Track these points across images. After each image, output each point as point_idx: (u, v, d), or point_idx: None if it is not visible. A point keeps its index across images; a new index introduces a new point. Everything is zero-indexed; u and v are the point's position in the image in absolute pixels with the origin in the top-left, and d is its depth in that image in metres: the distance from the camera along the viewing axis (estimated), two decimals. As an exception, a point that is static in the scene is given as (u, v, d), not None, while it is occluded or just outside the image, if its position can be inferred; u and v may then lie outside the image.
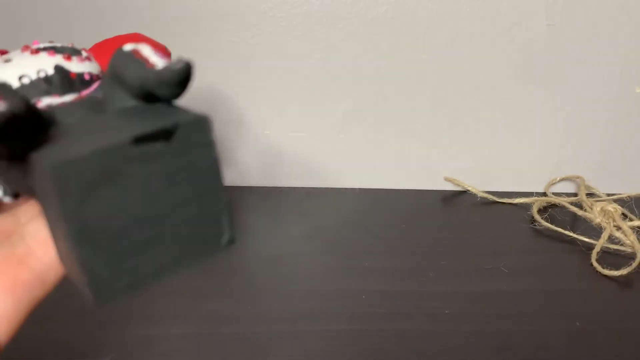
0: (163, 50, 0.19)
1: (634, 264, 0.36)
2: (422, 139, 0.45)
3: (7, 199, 0.15)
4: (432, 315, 0.32)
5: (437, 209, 0.45)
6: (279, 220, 0.43)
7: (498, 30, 0.41)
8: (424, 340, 0.30)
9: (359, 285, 0.35)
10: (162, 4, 0.40)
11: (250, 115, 0.44)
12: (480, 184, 0.46)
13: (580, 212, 0.42)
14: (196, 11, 0.40)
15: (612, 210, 0.40)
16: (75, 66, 0.16)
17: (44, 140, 0.12)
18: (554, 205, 0.44)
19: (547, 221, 0.41)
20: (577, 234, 0.40)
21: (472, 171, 0.46)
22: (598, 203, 0.41)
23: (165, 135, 0.12)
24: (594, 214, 0.40)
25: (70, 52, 0.16)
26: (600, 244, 0.38)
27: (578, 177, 0.46)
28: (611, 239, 0.39)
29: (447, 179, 0.46)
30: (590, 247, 0.38)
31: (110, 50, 0.18)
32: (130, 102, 0.14)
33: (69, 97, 0.15)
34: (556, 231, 0.40)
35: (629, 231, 0.38)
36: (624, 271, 0.36)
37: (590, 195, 0.45)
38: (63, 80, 0.16)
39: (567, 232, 0.40)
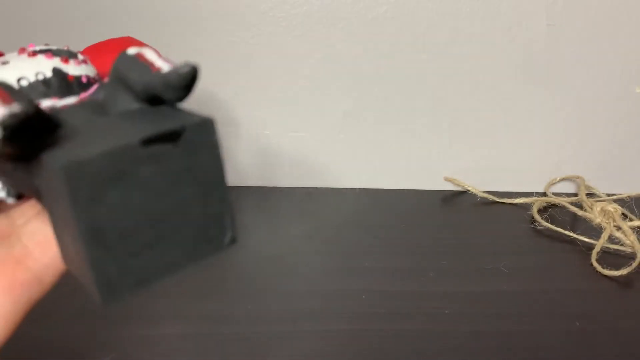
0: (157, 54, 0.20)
1: (634, 264, 0.36)
2: (422, 139, 0.45)
3: (10, 200, 0.15)
4: (432, 316, 0.32)
5: (437, 209, 0.45)
6: (279, 220, 0.43)
7: (498, 30, 0.41)
8: (424, 340, 0.30)
9: (359, 285, 0.35)
10: (162, 4, 0.40)
11: (250, 115, 0.44)
12: (480, 184, 0.46)
13: (580, 212, 0.42)
14: (196, 11, 0.40)
15: (612, 210, 0.40)
16: (72, 69, 0.16)
17: (52, 142, 0.12)
18: (554, 205, 0.44)
19: (547, 221, 0.41)
20: (577, 234, 0.40)
21: (472, 171, 0.46)
22: (598, 203, 0.41)
23: (172, 137, 0.13)
24: (594, 214, 0.40)
25: (68, 55, 0.17)
26: (600, 244, 0.38)
27: (578, 177, 0.46)
28: (611, 239, 0.39)
29: (447, 179, 0.46)
30: (590, 247, 0.38)
31: (102, 53, 0.19)
32: (134, 105, 0.15)
33: (70, 100, 0.15)
34: (556, 231, 0.40)
35: (629, 231, 0.38)
36: (624, 271, 0.36)
37: (590, 195, 0.45)
38: (61, 83, 0.16)
39: (567, 232, 0.40)
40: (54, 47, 0.17)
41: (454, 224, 0.42)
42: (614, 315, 0.33)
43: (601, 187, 0.46)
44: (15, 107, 0.11)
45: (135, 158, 0.12)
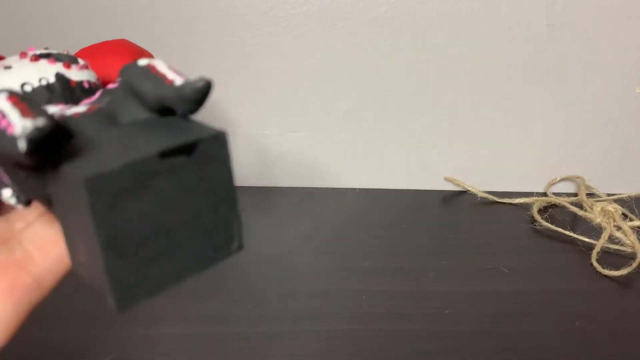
0: (149, 56, 0.20)
1: (634, 264, 0.36)
2: (422, 139, 0.45)
3: (20, 206, 0.15)
4: (432, 316, 0.32)
5: (437, 209, 0.45)
6: (279, 220, 0.43)
7: (498, 30, 0.41)
8: (424, 341, 0.30)
9: (359, 285, 0.35)
10: (162, 4, 0.40)
11: (250, 115, 0.44)
12: (480, 184, 0.46)
13: (580, 212, 0.42)
14: (196, 11, 0.40)
15: (612, 210, 0.40)
16: (75, 74, 0.17)
17: (67, 152, 0.13)
18: (554, 205, 0.44)
19: (547, 221, 0.41)
20: (577, 234, 0.40)
21: (472, 171, 0.46)
22: (598, 203, 0.41)
23: (188, 149, 0.13)
24: (594, 214, 0.40)
25: (69, 60, 0.17)
26: (600, 244, 0.38)
27: (578, 177, 0.46)
28: (611, 239, 0.39)
29: (447, 179, 0.46)
30: (591, 247, 0.38)
31: (98, 57, 0.19)
32: (143, 115, 0.15)
33: (80, 108, 0.15)
34: (556, 231, 0.40)
35: (629, 231, 0.38)
36: (624, 271, 0.36)
37: (590, 195, 0.45)
38: (64, 88, 0.16)
39: (567, 232, 0.40)
40: (54, 52, 0.17)
41: (454, 224, 0.42)
42: (614, 315, 0.33)
43: (601, 187, 0.46)
44: (40, 122, 0.11)
45: (153, 170, 0.13)
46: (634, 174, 0.46)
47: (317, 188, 0.47)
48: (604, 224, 0.40)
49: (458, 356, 0.29)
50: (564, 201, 0.43)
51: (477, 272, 0.36)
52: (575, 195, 0.45)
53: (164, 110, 0.15)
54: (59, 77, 0.16)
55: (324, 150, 0.45)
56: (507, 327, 0.31)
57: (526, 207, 0.44)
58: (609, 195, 0.45)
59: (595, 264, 0.37)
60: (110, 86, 0.16)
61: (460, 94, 0.43)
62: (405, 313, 0.32)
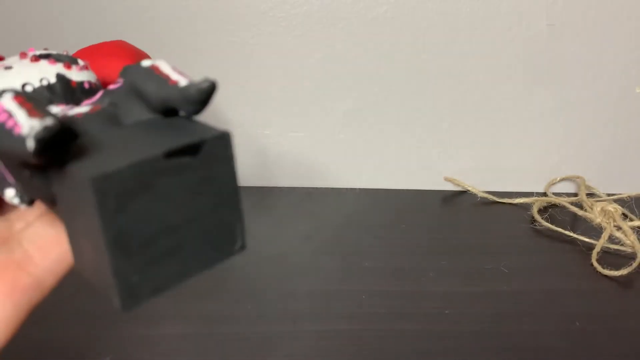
0: (145, 57, 0.20)
1: (634, 264, 0.36)
2: (422, 139, 0.45)
3: (23, 206, 0.15)
4: (432, 316, 0.32)
5: (437, 209, 0.45)
6: (279, 220, 0.43)
7: (498, 30, 0.41)
8: (424, 341, 0.30)
9: (359, 285, 0.35)
10: (162, 4, 0.40)
11: (250, 115, 0.44)
12: (480, 184, 0.46)
13: (580, 212, 0.42)
14: (196, 11, 0.40)
15: (612, 210, 0.40)
16: (75, 75, 0.17)
17: (73, 152, 0.13)
18: (554, 205, 0.44)
19: (547, 221, 0.41)
20: (578, 234, 0.40)
21: (472, 171, 0.46)
22: (598, 203, 0.41)
23: (193, 149, 0.13)
24: (594, 214, 0.40)
25: (70, 61, 0.17)
26: (600, 244, 0.38)
27: (578, 177, 0.46)
28: (611, 239, 0.39)
29: (447, 179, 0.46)
30: (591, 247, 0.38)
31: (97, 57, 0.19)
32: (147, 115, 0.15)
33: (83, 109, 0.15)
34: (556, 231, 0.40)
35: (629, 231, 0.38)
36: (624, 271, 0.36)
37: (590, 195, 0.45)
38: (65, 89, 0.16)
39: (567, 232, 0.40)
40: (54, 52, 0.17)
41: (454, 224, 0.42)
42: (614, 315, 0.33)
43: (601, 187, 0.46)
44: (48, 122, 0.11)
45: (158, 170, 0.13)
46: (634, 174, 0.46)
47: (317, 188, 0.47)
48: (604, 224, 0.40)
49: (458, 356, 0.29)
50: (564, 201, 0.43)
51: (477, 272, 0.36)
52: (576, 195, 0.45)
53: (168, 111, 0.15)
54: (60, 77, 0.16)
55: (324, 150, 0.45)
56: (507, 327, 0.31)
57: (526, 207, 0.44)
58: (609, 195, 0.45)
59: (596, 264, 0.37)
60: (112, 87, 0.16)
61: (460, 94, 0.43)
62: (405, 313, 0.32)
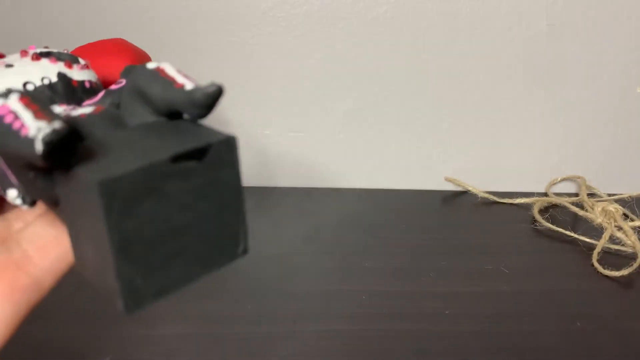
0: (146, 58, 0.20)
1: (635, 265, 0.36)
2: (422, 139, 0.45)
3: (25, 207, 0.15)
4: (433, 316, 0.32)
5: (438, 209, 0.45)
6: (279, 220, 0.43)
7: (498, 30, 0.41)
8: (424, 341, 0.30)
9: (359, 285, 0.35)
10: (162, 4, 0.40)
11: (250, 115, 0.44)
12: (480, 184, 0.46)
13: (581, 213, 0.42)
14: (196, 11, 0.40)
15: (613, 210, 0.40)
16: (76, 74, 0.17)
17: (80, 154, 0.13)
18: (554, 206, 0.44)
19: (548, 221, 0.41)
20: (578, 234, 0.40)
21: (472, 171, 0.46)
22: (599, 203, 0.41)
23: (199, 153, 0.13)
24: (595, 214, 0.40)
25: (71, 60, 0.17)
26: (601, 244, 0.38)
27: (579, 177, 0.46)
28: (612, 239, 0.38)
29: (447, 179, 0.46)
30: (591, 248, 0.38)
31: (96, 56, 0.19)
32: (150, 118, 0.15)
33: (86, 109, 0.15)
34: (557, 231, 0.40)
35: (630, 231, 0.38)
36: (625, 271, 0.35)
37: (591, 195, 0.45)
38: (66, 88, 0.16)
39: (568, 233, 0.40)
40: (55, 51, 0.17)
41: (455, 224, 0.42)
42: (614, 315, 0.32)
43: (602, 187, 0.46)
44: (57, 124, 0.11)
45: (164, 174, 0.13)
46: (635, 174, 0.46)
47: (317, 188, 0.47)
48: (604, 224, 0.39)
49: (458, 356, 0.29)
50: (564, 201, 0.43)
51: (477, 273, 0.36)
52: (576, 195, 0.45)
53: (172, 114, 0.15)
54: (61, 76, 0.16)
55: (324, 150, 0.45)
56: (508, 327, 0.31)
57: (527, 207, 0.44)
58: (610, 195, 0.45)
59: (596, 264, 0.37)
60: (114, 87, 0.16)
61: (460, 94, 0.43)
62: (406, 313, 0.32)
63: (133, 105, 0.15)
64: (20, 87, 0.15)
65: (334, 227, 0.41)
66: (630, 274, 0.35)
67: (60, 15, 0.40)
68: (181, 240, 0.14)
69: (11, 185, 0.15)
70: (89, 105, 0.16)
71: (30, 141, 0.11)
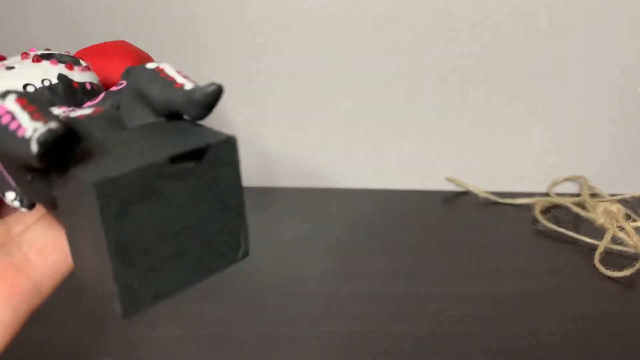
0: (148, 59, 0.20)
1: (637, 265, 0.35)
2: (422, 139, 0.45)
3: (23, 209, 0.15)
4: (434, 317, 0.32)
5: (438, 210, 0.45)
6: (279, 221, 0.42)
7: (498, 30, 0.41)
8: (425, 342, 0.30)
9: (359, 286, 0.35)
10: (162, 4, 0.40)
11: (250, 115, 0.44)
12: (482, 184, 0.45)
13: (583, 213, 0.41)
14: (196, 11, 0.40)
15: (615, 210, 0.39)
16: (77, 76, 0.17)
17: (77, 155, 0.13)
18: (556, 206, 0.44)
19: (549, 222, 0.41)
20: (580, 234, 0.39)
21: (473, 171, 0.46)
22: (601, 203, 0.41)
23: (198, 154, 0.13)
24: (597, 214, 0.40)
25: (72, 62, 0.17)
26: (603, 244, 0.38)
27: (581, 177, 0.46)
28: (614, 240, 0.38)
29: (448, 179, 0.46)
30: (593, 248, 0.38)
31: (98, 58, 0.19)
32: (151, 118, 0.15)
33: (85, 111, 0.15)
34: (559, 232, 0.40)
35: (632, 232, 0.38)
36: (627, 272, 0.35)
37: (593, 195, 0.45)
38: (67, 90, 0.16)
39: (569, 233, 0.40)
40: (56, 53, 0.17)
41: (455, 224, 0.42)
42: (617, 316, 0.32)
43: (604, 188, 0.46)
44: (52, 125, 0.11)
45: (163, 175, 0.13)
46: (637, 174, 0.46)
47: (317, 188, 0.47)
48: (606, 225, 0.39)
49: (460, 357, 0.29)
50: (566, 202, 0.43)
51: (478, 273, 0.36)
52: (578, 195, 0.45)
53: (172, 115, 0.15)
54: (62, 78, 0.16)
55: (324, 150, 0.45)
56: (509, 328, 0.31)
57: (528, 207, 0.44)
58: (612, 195, 0.45)
59: (598, 264, 0.36)
60: (114, 88, 0.16)
61: (461, 93, 0.43)
62: (406, 314, 0.32)
63: (133, 106, 0.15)
64: (20, 89, 0.15)
65: (334, 227, 0.41)
66: (632, 275, 0.35)
67: (60, 16, 0.40)
68: (180, 242, 0.13)
69: (9, 188, 0.15)
70: (89, 106, 0.16)
71: (27, 141, 0.11)
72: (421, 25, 0.41)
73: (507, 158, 0.46)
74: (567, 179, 0.46)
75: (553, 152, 0.46)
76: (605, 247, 0.38)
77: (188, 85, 0.14)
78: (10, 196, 0.15)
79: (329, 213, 0.43)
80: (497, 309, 0.33)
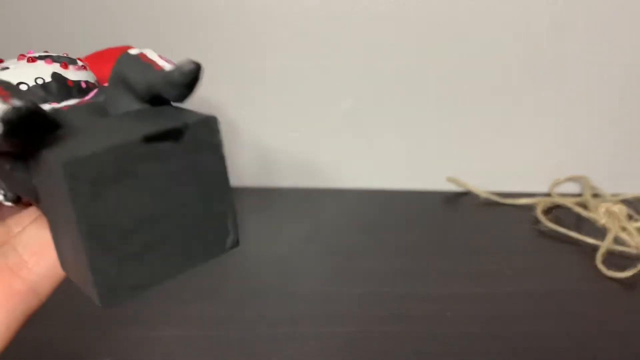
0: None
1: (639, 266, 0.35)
2: (423, 139, 0.45)
3: (7, 204, 0.15)
4: (435, 317, 0.32)
5: (440, 210, 0.44)
6: (279, 221, 0.42)
7: (499, 30, 0.41)
8: (426, 343, 0.30)
9: (359, 286, 0.34)
10: (162, 4, 0.40)
11: (250, 115, 0.44)
12: (483, 185, 0.45)
13: (585, 213, 0.41)
14: (195, 11, 0.40)
15: (617, 211, 0.39)
16: (72, 74, 0.16)
17: (53, 141, 0.12)
18: (558, 206, 0.44)
19: (551, 222, 0.41)
20: (582, 235, 0.39)
21: (474, 171, 0.46)
22: (603, 204, 0.40)
23: (175, 134, 0.13)
24: (599, 214, 0.40)
25: (67, 61, 0.17)
26: (605, 245, 0.37)
27: (583, 177, 0.46)
28: (616, 240, 0.38)
29: (449, 180, 0.46)
30: (595, 249, 0.38)
31: (102, 62, 0.19)
32: (135, 106, 0.15)
33: (70, 102, 0.15)
34: (560, 232, 0.40)
35: (635, 232, 0.38)
36: (629, 273, 0.35)
37: (595, 195, 0.44)
38: (60, 88, 0.16)
39: (571, 233, 0.40)
40: (53, 54, 0.17)
41: (457, 225, 0.42)
42: (619, 317, 0.32)
43: (606, 188, 0.45)
44: (17, 102, 0.11)
45: (137, 155, 0.12)
46: (639, 174, 0.46)
47: (317, 188, 0.46)
48: (609, 225, 0.39)
49: (460, 358, 0.29)
50: (568, 202, 0.43)
51: (479, 274, 0.36)
52: (580, 195, 0.45)
53: (156, 100, 0.14)
54: (56, 76, 0.16)
55: (324, 150, 0.45)
56: (510, 328, 0.31)
57: (530, 207, 0.44)
58: (614, 195, 0.45)
59: (600, 265, 0.36)
60: (106, 84, 0.16)
61: (461, 93, 0.43)
62: (407, 315, 0.32)
63: (116, 94, 0.15)
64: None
65: (334, 227, 0.41)
66: (634, 275, 0.35)
67: (60, 16, 0.40)
68: (160, 228, 0.13)
69: None
70: (76, 99, 0.16)
71: None
72: (421, 25, 0.41)
73: (508, 158, 0.46)
74: (568, 179, 0.46)
75: (554, 152, 0.45)
76: (607, 248, 0.37)
77: (167, 68, 0.14)
78: None
79: (329, 213, 0.43)
80: (498, 310, 0.33)
